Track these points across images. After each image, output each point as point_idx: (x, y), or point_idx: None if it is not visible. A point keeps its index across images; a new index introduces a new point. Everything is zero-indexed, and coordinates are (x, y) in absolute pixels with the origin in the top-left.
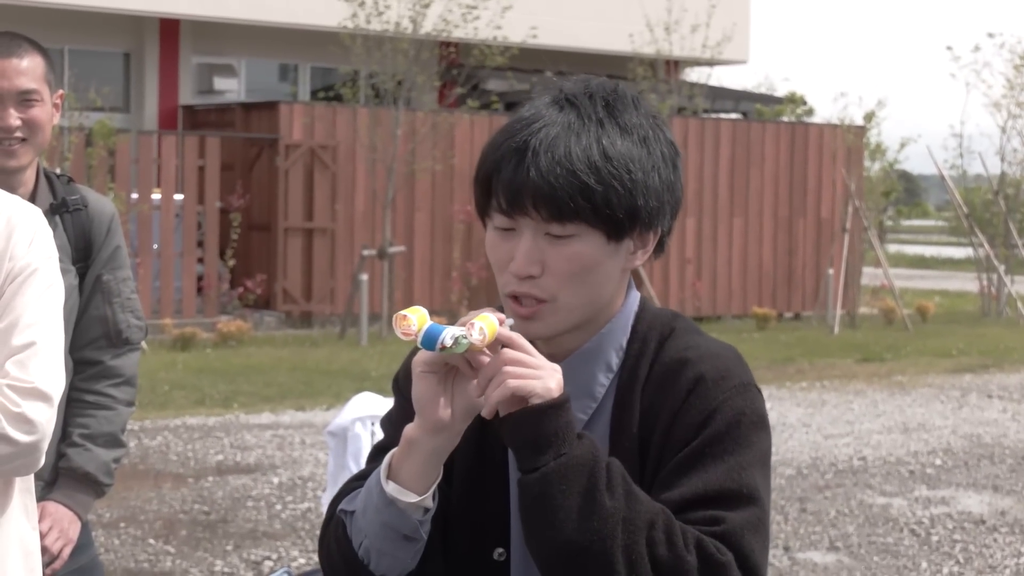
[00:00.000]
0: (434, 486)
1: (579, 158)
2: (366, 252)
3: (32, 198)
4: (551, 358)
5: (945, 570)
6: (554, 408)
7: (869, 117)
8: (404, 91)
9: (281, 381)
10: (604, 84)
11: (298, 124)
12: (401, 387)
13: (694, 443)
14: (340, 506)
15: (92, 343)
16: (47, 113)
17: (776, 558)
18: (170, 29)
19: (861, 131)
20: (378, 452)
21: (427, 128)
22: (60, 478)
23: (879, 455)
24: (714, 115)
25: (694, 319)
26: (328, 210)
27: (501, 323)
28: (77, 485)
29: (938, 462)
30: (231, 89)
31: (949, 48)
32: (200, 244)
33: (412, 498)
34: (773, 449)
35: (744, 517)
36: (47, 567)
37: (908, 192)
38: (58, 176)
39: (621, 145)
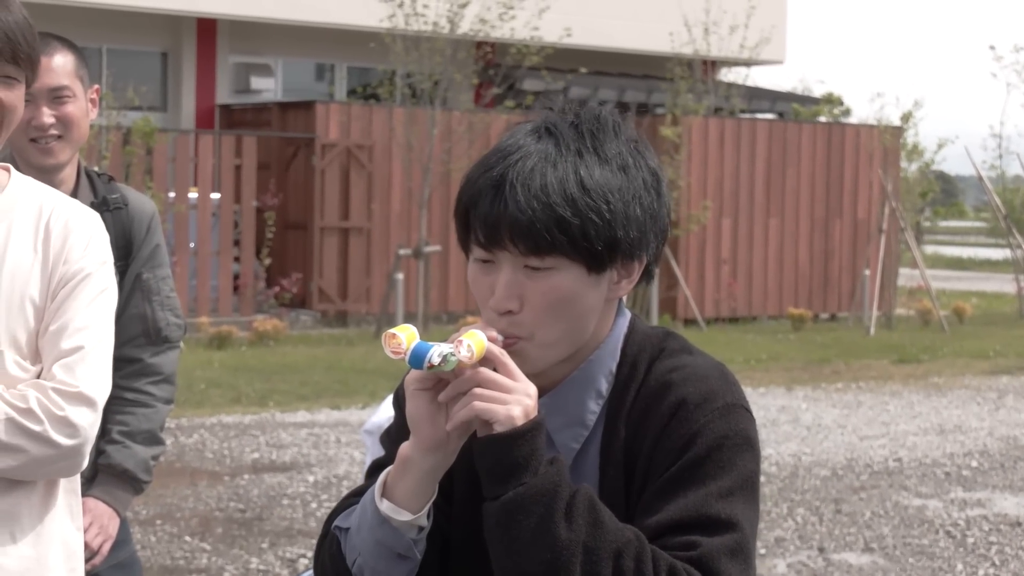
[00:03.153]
0: (428, 504)
1: (555, 190)
2: (402, 251)
3: (73, 196)
4: (540, 387)
5: (981, 572)
6: (515, 438)
7: (906, 117)
8: (440, 91)
9: (317, 380)
10: (588, 111)
11: (334, 123)
12: (401, 403)
13: (674, 468)
14: (335, 523)
15: (131, 341)
16: (81, 109)
17: (811, 559)
18: (207, 29)
19: (898, 131)
20: (376, 468)
21: (463, 127)
22: (99, 475)
23: (915, 456)
24: (750, 115)
25: (729, 320)
26: (364, 209)
27: (493, 340)
28: (116, 482)
29: (974, 464)
30: (268, 88)
31: (992, 48)
32: (236, 243)
33: (406, 516)
34: (809, 450)
35: (722, 542)
36: (87, 563)
37: (945, 193)
38: (99, 175)
39: (599, 175)
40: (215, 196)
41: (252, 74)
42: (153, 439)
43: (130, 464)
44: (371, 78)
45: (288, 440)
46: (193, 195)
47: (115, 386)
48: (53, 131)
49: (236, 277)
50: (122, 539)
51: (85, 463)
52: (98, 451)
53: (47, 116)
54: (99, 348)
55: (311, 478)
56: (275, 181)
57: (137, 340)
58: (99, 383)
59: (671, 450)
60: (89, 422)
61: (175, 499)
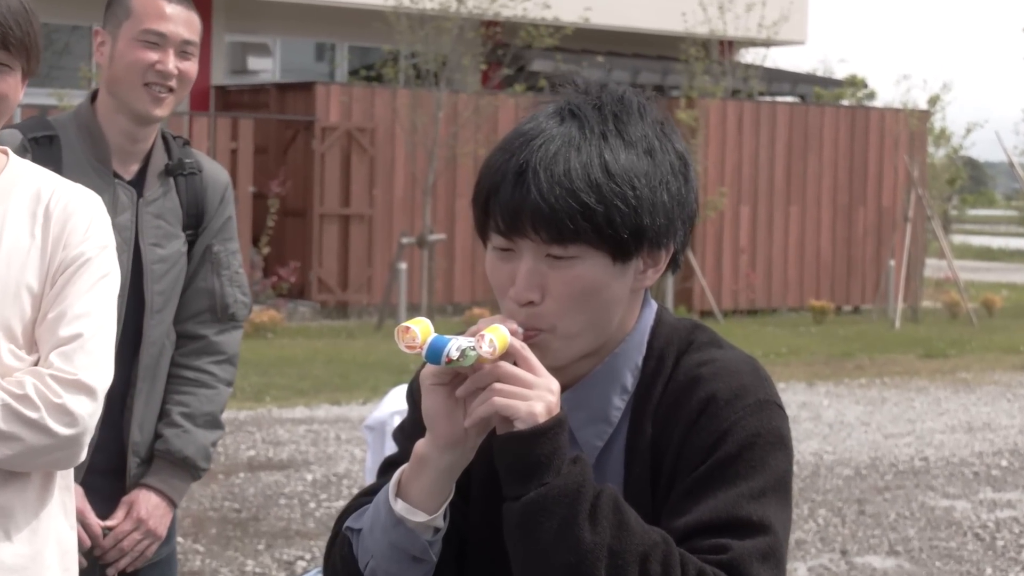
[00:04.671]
0: (445, 505)
1: (579, 175)
2: (405, 240)
3: (148, 157)
4: (563, 383)
5: None
6: (537, 435)
7: (933, 101)
8: (446, 72)
9: (316, 374)
10: (612, 92)
11: (335, 105)
12: (416, 397)
13: (703, 467)
14: (346, 523)
15: (196, 316)
16: (196, 71)
17: (833, 562)
18: (202, 6)
19: (925, 115)
20: (388, 466)
21: (470, 111)
22: (156, 460)
23: (942, 455)
24: (770, 98)
25: (748, 312)
26: (366, 195)
27: (514, 333)
28: (174, 469)
29: (1004, 463)
30: (265, 69)
31: None
32: None
33: (422, 517)
34: (831, 448)
35: (753, 546)
36: (129, 561)
37: (974, 180)
38: (174, 137)
39: (625, 159)
40: None
41: (249, 54)
42: (214, 423)
43: (190, 450)
44: (374, 58)
45: (285, 437)
46: None
47: (176, 364)
48: (172, 83)
49: None
50: (169, 533)
51: (83, 455)
52: (156, 434)
53: (173, 65)
54: (100, 336)
55: (309, 477)
56: (283, 168)
57: (202, 316)
58: (99, 371)
59: (700, 448)
60: (88, 411)
61: None
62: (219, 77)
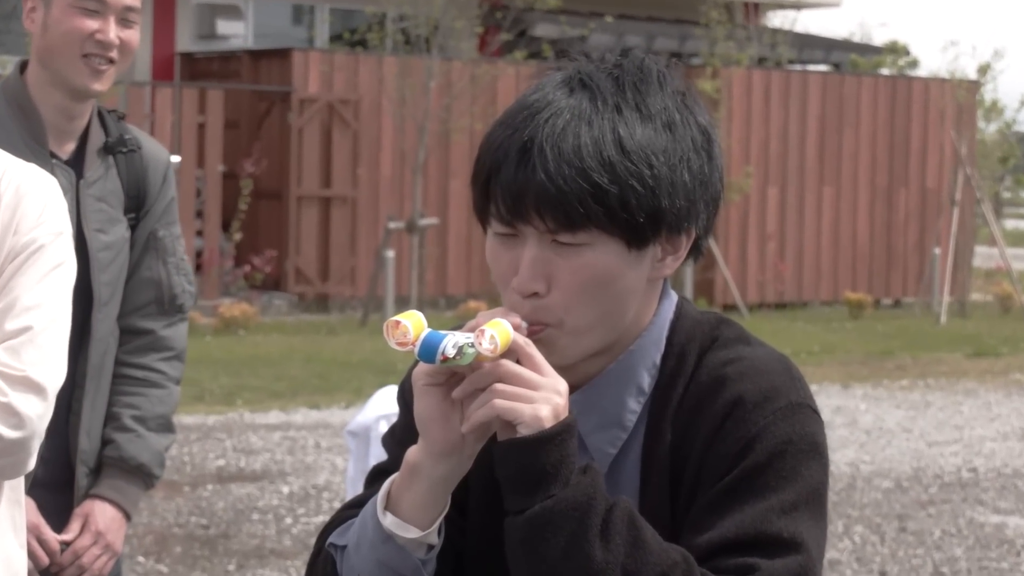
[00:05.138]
0: (440, 519)
1: (590, 153)
2: (393, 225)
3: (86, 134)
4: (572, 383)
5: None
6: (542, 442)
7: (984, 70)
8: (439, 37)
9: (293, 374)
10: (630, 59)
11: (314, 75)
12: (407, 399)
13: (729, 477)
14: (329, 539)
15: (141, 309)
16: (138, 40)
17: None
18: None
19: (974, 86)
20: (377, 475)
21: (465, 80)
22: (107, 468)
23: (993, 466)
24: (801, 67)
25: (776, 306)
26: (349, 175)
27: (516, 328)
28: (128, 478)
29: None
30: (237, 34)
31: None
32: (199, 214)
33: (413, 533)
34: (868, 458)
35: (784, 566)
36: None
37: None
38: (109, 111)
39: (641, 134)
40: (174, 159)
41: (218, 16)
42: (167, 426)
43: (145, 456)
44: (358, 22)
45: (259, 445)
46: None
47: (121, 363)
48: (113, 53)
49: (199, 254)
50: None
51: (32, 462)
52: (105, 440)
53: (115, 34)
54: (51, 330)
55: (286, 489)
56: (256, 145)
57: (148, 309)
58: (50, 368)
59: (725, 456)
60: (38, 413)
61: None
62: (185, 43)
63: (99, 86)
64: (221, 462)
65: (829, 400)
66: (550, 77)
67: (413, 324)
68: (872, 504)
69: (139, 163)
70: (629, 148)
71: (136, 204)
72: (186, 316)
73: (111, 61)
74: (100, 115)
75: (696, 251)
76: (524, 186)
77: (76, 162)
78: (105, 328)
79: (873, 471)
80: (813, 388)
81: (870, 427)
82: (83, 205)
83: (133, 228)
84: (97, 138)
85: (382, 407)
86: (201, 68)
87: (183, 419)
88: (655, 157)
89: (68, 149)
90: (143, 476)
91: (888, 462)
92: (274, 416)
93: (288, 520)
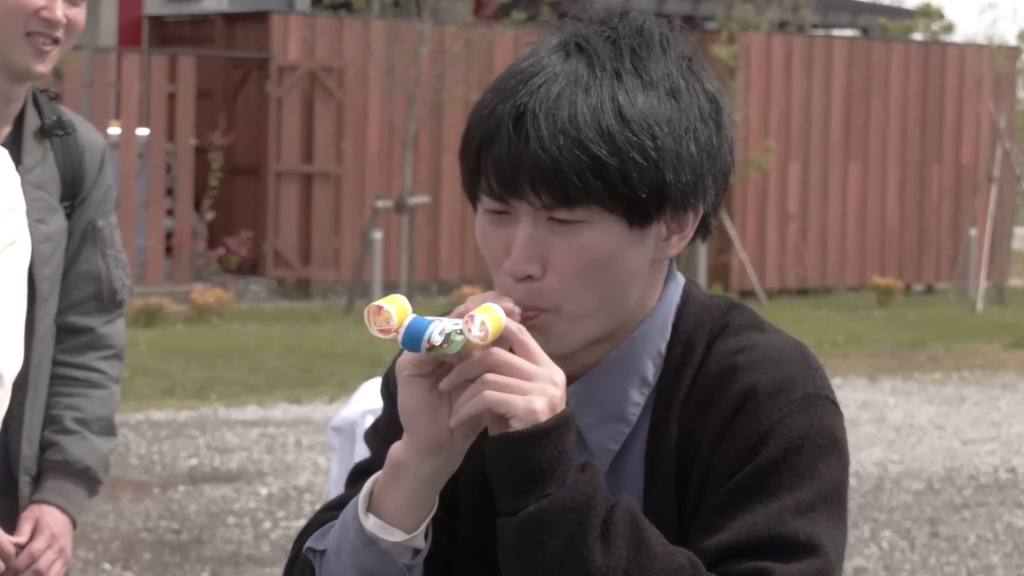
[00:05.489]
0: (427, 521)
1: (587, 122)
2: (380, 203)
3: (21, 117)
4: (569, 374)
5: None
6: (537, 437)
7: None
8: None
9: (271, 366)
10: (629, 22)
11: (295, 40)
12: (391, 391)
13: (740, 475)
14: (307, 543)
15: (80, 305)
16: (84, 19)
17: None
18: None
19: (1014, 53)
20: (359, 474)
21: (459, 46)
22: (50, 472)
23: None
24: (825, 32)
25: (798, 292)
26: (332, 150)
27: (509, 313)
28: (73, 482)
29: None
30: None
31: None
32: (170, 192)
33: (398, 536)
34: (897, 457)
35: (800, 571)
36: None
37: None
38: (42, 91)
39: (643, 103)
40: (142, 132)
41: None
42: (110, 429)
43: (91, 460)
44: None
45: (235, 442)
46: (114, 131)
47: (59, 363)
48: (59, 33)
49: (169, 236)
50: None
51: None
52: (45, 444)
53: (61, 12)
54: (4, 313)
55: (264, 491)
56: (231, 116)
57: (87, 305)
58: (6, 355)
59: (737, 452)
60: None
61: (91, 516)
62: (153, 5)
63: (42, 67)
64: (194, 461)
65: (855, 395)
66: (544, 41)
67: (396, 310)
68: (901, 507)
69: (75, 147)
70: (630, 117)
71: (72, 192)
72: (123, 312)
73: (56, 41)
74: (34, 96)
75: (704, 230)
76: (517, 158)
77: (12, 147)
78: (45, 326)
79: (903, 472)
80: (838, 382)
81: (899, 424)
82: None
83: (68, 217)
84: (32, 121)
85: (368, 401)
86: (171, 33)
87: (153, 415)
88: (658, 127)
89: (3, 133)
90: (88, 481)
91: (919, 462)
92: (251, 411)
93: (266, 524)
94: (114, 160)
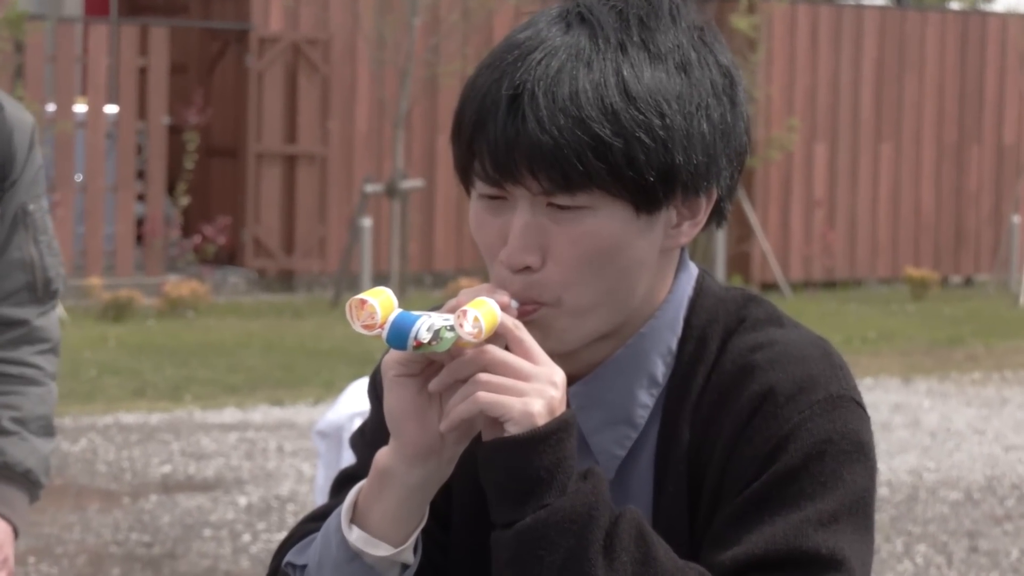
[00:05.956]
0: (416, 534)
1: (589, 100)
2: (370, 188)
3: None
4: (571, 373)
5: None
6: (535, 442)
7: None
8: None
9: (251, 365)
10: None
11: (277, 9)
12: (378, 393)
13: (757, 483)
14: (287, 558)
15: (13, 296)
16: None
17: None
18: None
19: None
20: (344, 482)
21: (456, 16)
22: None
23: None
24: (855, 0)
25: (824, 285)
26: (318, 129)
27: (504, 307)
28: (14, 487)
29: None
30: None
31: None
32: (141, 175)
33: (384, 550)
34: (933, 464)
35: None
36: None
37: None
38: None
39: (650, 77)
40: (111, 110)
41: None
42: (49, 429)
43: (32, 462)
44: None
45: (211, 448)
46: (81, 108)
47: None
48: None
49: (140, 223)
50: None
51: None
52: None
53: None
54: None
55: (243, 500)
56: (207, 92)
57: (20, 296)
58: None
59: (754, 458)
60: None
61: (55, 528)
62: None
63: None
64: (167, 468)
65: (887, 396)
66: (545, 11)
67: (381, 303)
68: (938, 519)
69: (3, 127)
70: (635, 93)
71: (1, 174)
72: (57, 303)
73: None
74: None
75: (718, 216)
76: (513, 140)
77: None
78: None
79: (939, 480)
80: (868, 382)
81: (936, 428)
82: None
83: None
84: None
85: (357, 403)
86: (143, 2)
87: (122, 418)
88: (667, 104)
89: None
90: (29, 485)
91: (957, 469)
92: (229, 414)
93: (246, 537)
94: (80, 141)
